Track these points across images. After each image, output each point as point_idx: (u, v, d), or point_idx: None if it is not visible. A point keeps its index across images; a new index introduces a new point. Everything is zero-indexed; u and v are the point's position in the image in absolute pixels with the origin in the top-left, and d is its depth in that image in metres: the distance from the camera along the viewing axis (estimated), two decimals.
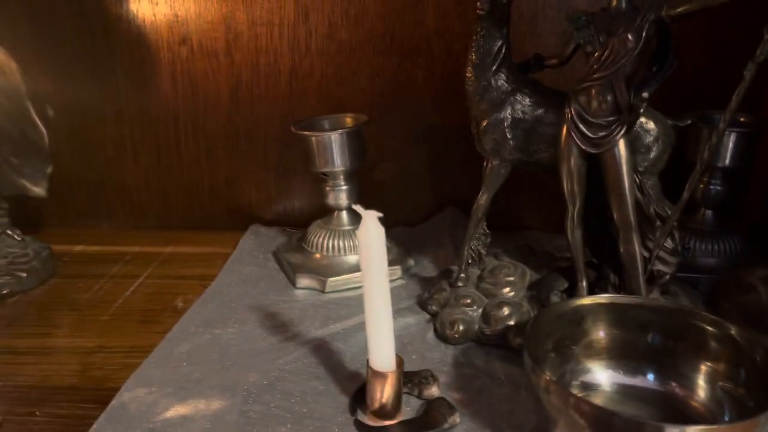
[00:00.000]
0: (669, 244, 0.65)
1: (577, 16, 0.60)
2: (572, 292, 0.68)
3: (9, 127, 0.82)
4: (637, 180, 0.63)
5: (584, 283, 0.67)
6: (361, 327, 0.69)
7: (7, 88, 0.80)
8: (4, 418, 0.57)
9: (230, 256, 0.89)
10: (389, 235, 0.89)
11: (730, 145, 0.77)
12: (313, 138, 0.79)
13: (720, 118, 0.80)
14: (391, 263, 0.81)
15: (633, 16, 0.57)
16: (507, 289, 0.71)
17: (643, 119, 0.65)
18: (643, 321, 0.56)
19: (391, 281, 0.81)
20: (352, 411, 0.57)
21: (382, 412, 0.55)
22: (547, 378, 0.47)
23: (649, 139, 0.65)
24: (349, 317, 0.73)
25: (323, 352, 0.66)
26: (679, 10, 0.55)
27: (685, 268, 0.80)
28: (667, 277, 0.70)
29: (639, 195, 0.63)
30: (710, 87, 0.86)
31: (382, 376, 0.53)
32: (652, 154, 0.65)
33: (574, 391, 0.54)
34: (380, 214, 0.51)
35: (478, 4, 0.62)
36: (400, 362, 0.55)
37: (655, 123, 0.65)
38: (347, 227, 0.84)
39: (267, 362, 0.64)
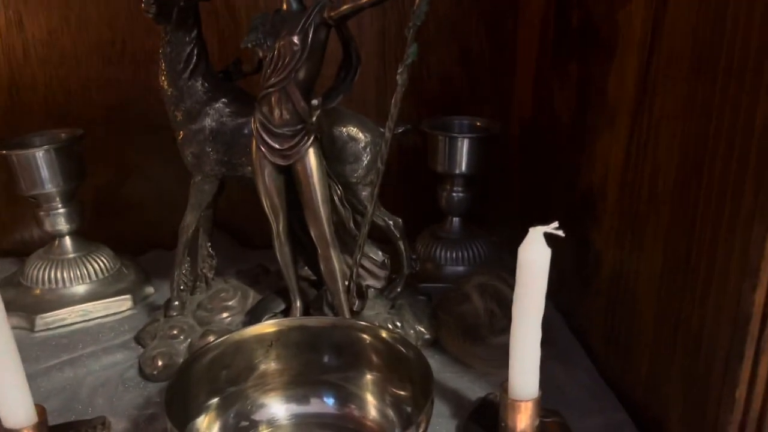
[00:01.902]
0: (378, 256, 0.63)
1: (255, 18, 0.56)
2: (288, 313, 0.63)
3: None
4: (339, 192, 0.60)
5: (298, 303, 0.63)
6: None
7: None
8: None
9: None
10: (145, 260, 0.83)
11: (465, 151, 0.76)
12: (14, 156, 0.70)
13: (456, 124, 0.81)
14: (121, 293, 0.75)
15: (300, 18, 0.53)
16: (225, 315, 0.65)
17: (351, 128, 0.62)
18: (309, 343, 0.52)
19: (120, 312, 0.74)
20: None
21: None
22: None
23: (356, 148, 0.62)
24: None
25: None
26: (342, 10, 0.51)
27: (433, 278, 0.79)
28: (396, 290, 0.68)
29: (340, 208, 0.60)
30: (458, 92, 0.86)
31: None
32: (363, 164, 0.62)
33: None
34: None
35: (143, 5, 0.55)
36: (41, 411, 0.47)
37: (364, 132, 0.62)
38: (71, 255, 0.75)
39: None
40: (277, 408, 0.51)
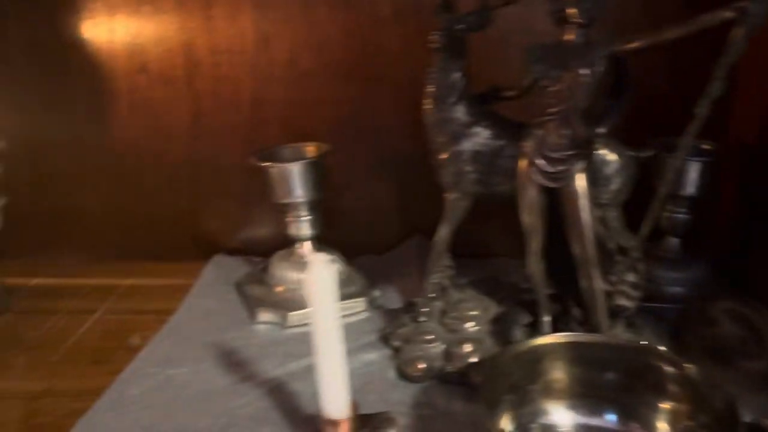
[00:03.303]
0: (632, 278, 0.64)
1: (531, 49, 0.59)
2: (536, 326, 0.66)
3: None
4: (598, 214, 0.62)
5: (547, 318, 0.66)
6: None
7: None
8: None
9: (191, 288, 0.86)
10: (355, 265, 0.89)
11: (693, 173, 0.76)
12: (273, 169, 0.78)
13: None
14: (355, 295, 0.81)
15: (587, 51, 0.56)
16: (470, 324, 0.69)
17: (603, 151, 0.64)
18: (602, 360, 0.55)
19: (355, 314, 0.79)
20: None
21: None
22: (500, 428, 0.45)
23: (609, 171, 0.64)
24: (310, 354, 0.70)
25: (280, 393, 0.64)
26: (631, 46, 0.54)
27: (651, 298, 0.80)
28: (628, 312, 0.70)
29: (601, 229, 0.62)
30: (674, 114, 0.86)
31: (334, 424, 0.51)
32: (613, 186, 0.64)
33: None
34: (330, 257, 0.49)
35: (430, 38, 0.61)
36: (354, 407, 0.53)
37: (616, 155, 0.64)
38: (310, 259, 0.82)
39: (219, 406, 0.62)
40: (562, 415, 0.54)
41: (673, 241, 0.82)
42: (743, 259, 0.83)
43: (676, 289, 0.80)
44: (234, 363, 0.69)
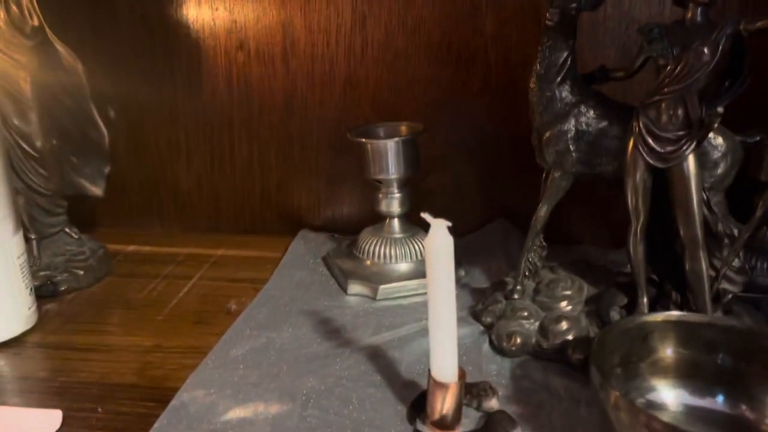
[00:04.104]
0: (736, 262, 0.64)
1: (649, 28, 0.59)
2: (632, 308, 0.66)
3: (71, 127, 0.84)
4: (705, 196, 0.62)
5: (645, 300, 0.66)
6: (415, 336, 0.69)
7: (72, 88, 0.82)
8: (67, 413, 0.58)
9: (281, 260, 0.89)
10: None
11: None
12: (370, 145, 0.79)
13: None
14: None
15: (709, 30, 0.55)
16: (564, 303, 0.70)
17: (711, 134, 0.63)
18: (711, 341, 0.55)
19: None
20: (411, 420, 0.56)
21: (442, 423, 0.54)
22: (617, 394, 0.46)
23: (716, 155, 0.63)
24: (401, 326, 0.72)
25: (378, 359, 0.66)
26: (757, 24, 0.54)
27: (747, 288, 0.79)
28: (731, 296, 0.69)
29: (706, 212, 0.62)
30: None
31: (444, 387, 0.53)
32: (719, 171, 0.64)
33: None
34: (449, 224, 0.50)
35: (548, 15, 0.61)
36: (462, 374, 0.54)
37: (723, 138, 0.64)
38: (399, 235, 0.84)
39: (323, 368, 0.64)
40: (669, 394, 0.55)
41: None
42: None
43: None
44: (330, 330, 0.71)
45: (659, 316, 0.56)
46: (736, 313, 0.68)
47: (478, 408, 0.58)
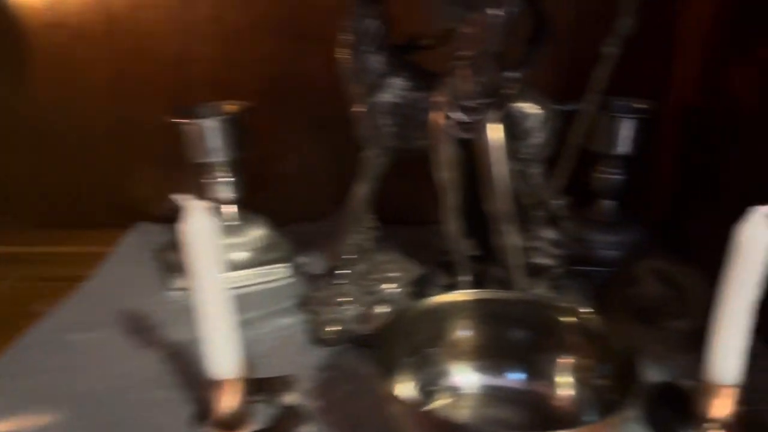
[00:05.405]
0: (551, 235, 0.62)
1: None
2: (454, 287, 0.64)
3: None
4: (517, 168, 0.59)
5: (465, 278, 0.63)
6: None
7: None
8: None
9: (109, 255, 0.82)
10: (291, 232, 0.85)
11: (626, 131, 0.74)
12: (187, 126, 0.74)
13: (616, 104, 0.78)
14: (278, 261, 0.78)
15: None
16: (389, 286, 0.66)
17: (524, 104, 0.61)
18: (507, 316, 0.53)
19: (278, 280, 0.77)
20: (196, 422, 0.52)
21: (224, 422, 0.50)
22: (387, 388, 0.42)
23: (530, 124, 0.61)
24: None
25: (182, 357, 0.60)
26: None
27: (584, 261, 0.78)
28: (558, 270, 0.67)
29: (522, 184, 0.59)
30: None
31: (219, 384, 0.48)
32: (534, 140, 0.61)
33: (437, 396, 0.50)
34: (209, 204, 0.46)
35: None
36: (247, 369, 0.50)
37: (538, 108, 0.61)
38: (234, 222, 0.79)
39: (118, 370, 0.58)
40: (466, 376, 0.52)
41: (607, 204, 0.79)
42: (683, 223, 0.81)
43: (611, 253, 0.77)
44: (141, 329, 0.66)
45: (452, 296, 0.53)
46: (563, 287, 0.66)
47: (276, 403, 0.54)
